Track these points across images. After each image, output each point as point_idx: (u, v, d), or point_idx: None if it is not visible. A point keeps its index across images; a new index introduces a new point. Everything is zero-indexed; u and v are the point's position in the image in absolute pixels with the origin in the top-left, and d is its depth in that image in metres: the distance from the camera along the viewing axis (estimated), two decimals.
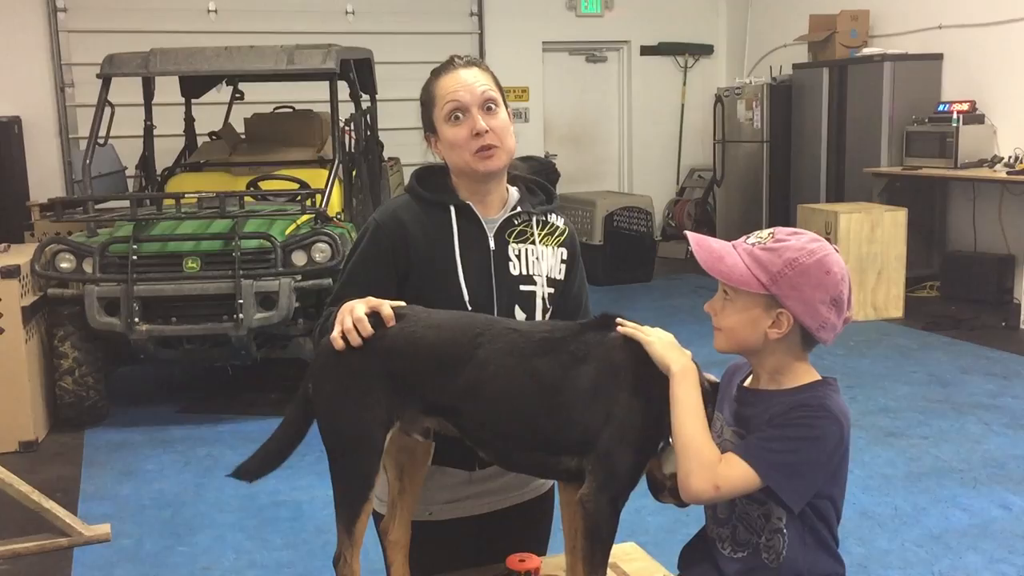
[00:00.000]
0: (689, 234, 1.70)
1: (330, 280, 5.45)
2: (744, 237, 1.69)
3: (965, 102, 7.95)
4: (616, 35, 10.88)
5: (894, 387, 5.83)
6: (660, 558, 2.16)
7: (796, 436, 1.59)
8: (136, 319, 5.26)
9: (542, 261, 2.10)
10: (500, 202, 2.11)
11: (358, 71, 6.89)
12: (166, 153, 7.25)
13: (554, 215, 2.17)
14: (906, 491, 4.33)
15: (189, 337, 5.39)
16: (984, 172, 7.66)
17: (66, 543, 3.63)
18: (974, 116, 7.90)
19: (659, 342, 1.72)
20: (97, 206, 6.28)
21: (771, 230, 1.67)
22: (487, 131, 1.99)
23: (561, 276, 2.13)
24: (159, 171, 7.00)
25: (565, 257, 2.15)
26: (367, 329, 1.78)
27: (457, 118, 1.99)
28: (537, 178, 2.22)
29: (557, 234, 2.15)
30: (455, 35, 10.19)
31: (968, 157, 7.79)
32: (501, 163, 2.03)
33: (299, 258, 5.41)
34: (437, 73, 2.04)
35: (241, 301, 5.25)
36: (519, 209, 2.11)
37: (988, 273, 7.88)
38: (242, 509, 4.37)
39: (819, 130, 9.08)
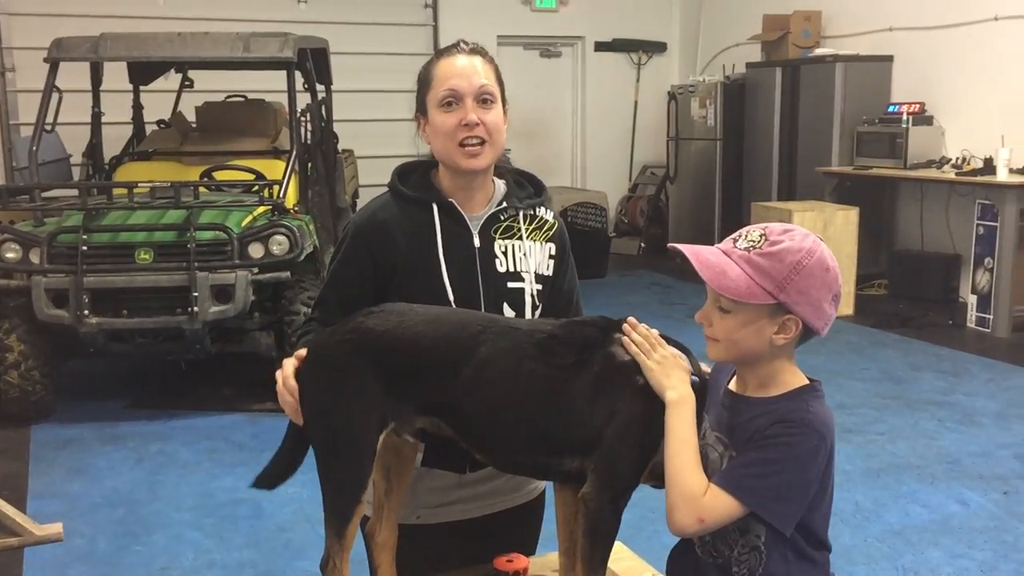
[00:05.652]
0: (684, 248, 1.60)
1: (288, 273, 5.36)
2: (731, 240, 1.62)
3: (914, 103, 8.09)
4: (570, 31, 10.88)
5: (848, 384, 5.91)
6: (648, 558, 2.14)
7: (777, 458, 1.53)
8: (86, 312, 5.11)
9: (530, 257, 2.05)
10: (485, 198, 2.06)
11: (313, 61, 6.78)
12: (111, 141, 7.04)
13: (542, 208, 2.13)
14: (866, 487, 4.38)
15: (141, 330, 5.25)
16: (932, 173, 7.80)
17: (16, 543, 3.49)
18: (923, 117, 8.05)
19: (658, 367, 1.66)
20: (43, 194, 6.08)
21: (761, 231, 1.59)
22: (478, 124, 1.94)
23: (549, 272, 2.09)
24: (107, 159, 6.81)
25: (553, 252, 2.10)
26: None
27: (449, 104, 1.94)
28: (526, 171, 2.18)
29: (545, 228, 2.11)
30: (409, 27, 10.12)
31: (917, 158, 7.92)
32: (486, 162, 1.98)
33: (256, 250, 5.30)
34: (439, 55, 2.00)
35: (196, 294, 5.13)
36: (505, 204, 2.06)
37: (935, 272, 8.03)
38: (199, 507, 4.26)
39: (771, 129, 9.18)
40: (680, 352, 1.77)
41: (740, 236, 1.60)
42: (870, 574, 3.61)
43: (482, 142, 1.95)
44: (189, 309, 5.15)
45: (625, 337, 1.73)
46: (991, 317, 7.08)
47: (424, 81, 2.00)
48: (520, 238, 2.05)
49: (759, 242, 1.56)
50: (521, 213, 2.07)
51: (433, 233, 1.99)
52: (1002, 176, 7.02)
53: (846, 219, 7.68)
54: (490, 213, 2.04)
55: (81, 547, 3.86)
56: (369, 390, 1.73)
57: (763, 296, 1.54)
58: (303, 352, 1.82)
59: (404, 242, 1.98)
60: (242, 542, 3.93)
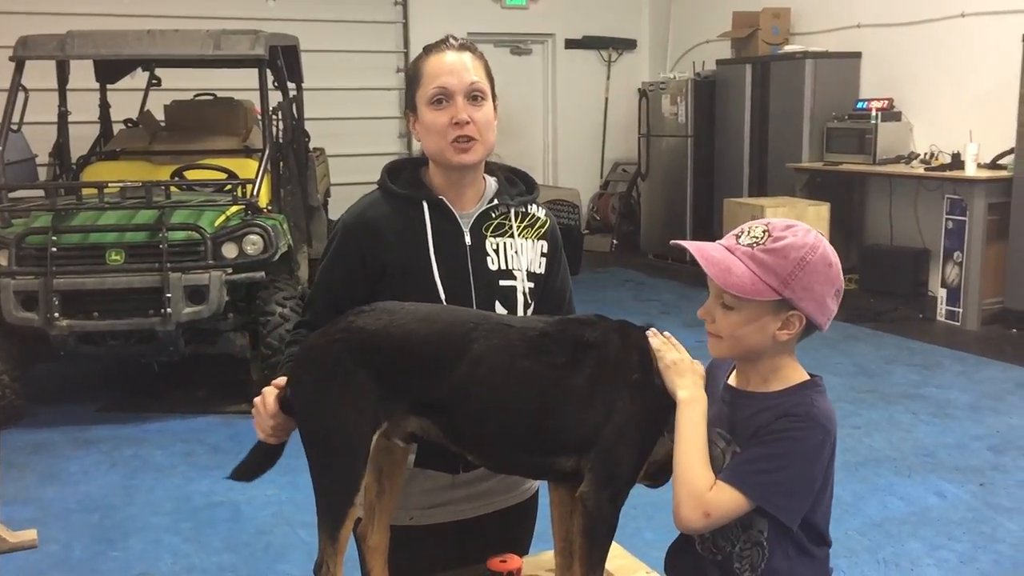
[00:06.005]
0: (688, 245, 1.59)
1: (262, 273, 5.31)
2: (733, 236, 1.61)
3: (883, 100, 8.16)
4: (541, 28, 10.87)
5: (823, 378, 5.93)
6: (642, 557, 2.13)
7: (783, 452, 1.54)
8: (56, 314, 5.03)
9: (521, 255, 2.04)
10: (476, 195, 2.04)
11: (284, 59, 6.71)
12: (77, 141, 6.92)
13: (534, 206, 2.11)
14: (844, 480, 4.40)
15: (113, 333, 5.17)
16: (901, 168, 7.88)
17: None
18: (891, 113, 8.12)
19: (674, 365, 1.66)
20: (10, 195, 5.97)
21: (763, 227, 1.58)
22: (468, 122, 1.92)
23: (541, 270, 2.07)
24: (74, 159, 6.70)
25: (545, 250, 2.09)
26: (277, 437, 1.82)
27: (440, 102, 1.92)
28: (517, 168, 2.16)
29: (537, 226, 2.09)
30: (379, 24, 10.07)
31: (886, 153, 8.00)
32: (477, 157, 1.96)
33: (230, 250, 5.25)
34: (428, 51, 1.96)
35: (169, 295, 5.06)
36: (496, 201, 2.04)
37: (904, 266, 8.10)
38: (176, 511, 4.20)
39: (742, 125, 9.22)
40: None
41: (742, 232, 1.59)
42: (852, 567, 3.63)
43: (473, 139, 1.93)
44: (162, 310, 5.08)
45: (648, 334, 1.74)
46: (961, 310, 7.17)
47: (413, 78, 1.97)
48: (512, 236, 2.03)
49: (762, 238, 1.55)
50: (512, 210, 2.05)
51: (424, 231, 1.96)
52: (970, 171, 7.10)
53: (817, 214, 7.73)
54: (481, 211, 2.02)
55: (56, 553, 3.80)
56: (361, 390, 1.70)
57: (768, 293, 1.53)
58: (282, 380, 1.80)
59: (395, 241, 1.95)
60: (221, 546, 3.88)
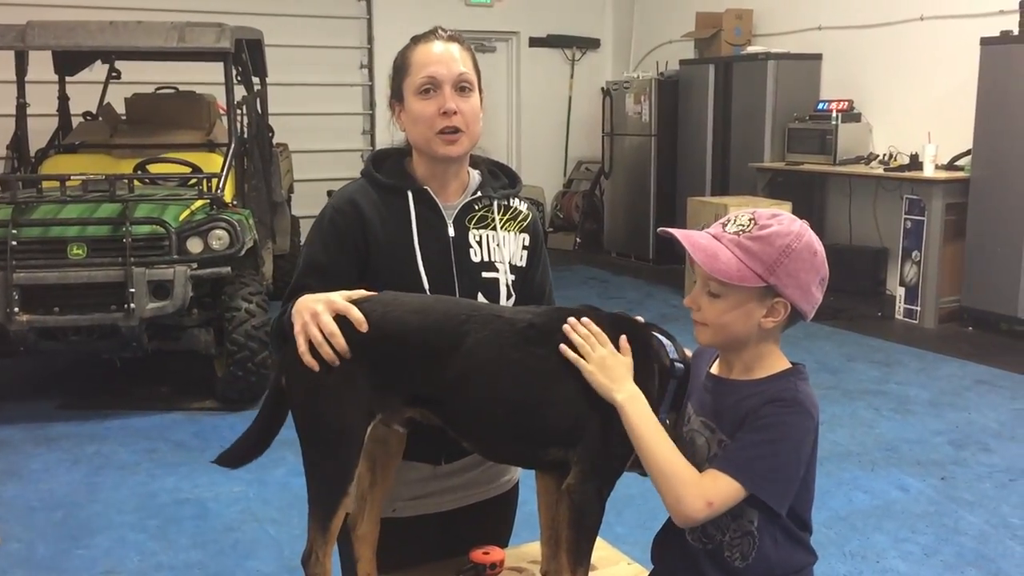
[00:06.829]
0: (677, 232, 1.60)
1: (228, 268, 5.26)
2: (720, 224, 1.62)
3: (843, 101, 8.27)
4: (505, 26, 10.87)
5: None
6: (623, 548, 2.15)
7: (773, 438, 1.55)
8: (16, 309, 4.93)
9: (504, 247, 2.04)
10: (460, 187, 2.04)
11: (249, 52, 6.66)
12: (34, 135, 6.79)
13: (517, 199, 2.12)
14: None
15: (75, 328, 5.09)
16: (860, 168, 8.00)
17: None
18: (851, 115, 8.23)
19: (598, 370, 1.65)
20: None
21: (749, 215, 1.60)
22: (456, 112, 1.92)
23: (523, 263, 2.08)
24: (32, 152, 6.57)
25: (527, 243, 2.10)
26: (342, 345, 1.66)
27: (428, 92, 1.91)
28: (500, 161, 2.16)
29: (519, 219, 2.09)
30: (343, 19, 10.00)
31: (846, 154, 8.11)
32: (463, 149, 1.96)
33: (195, 245, 5.18)
34: (416, 40, 1.96)
35: (132, 290, 4.99)
36: (480, 194, 2.05)
37: (863, 265, 8.19)
38: (142, 509, 4.14)
39: (705, 125, 9.30)
40: (666, 340, 1.79)
41: (729, 220, 1.61)
42: (819, 560, 3.67)
43: (459, 131, 1.93)
44: (125, 306, 5.00)
45: (566, 328, 1.71)
46: (919, 309, 7.29)
47: (400, 67, 1.96)
48: (494, 228, 2.04)
49: (748, 226, 1.57)
50: (495, 203, 2.06)
51: (408, 221, 1.96)
52: (928, 172, 7.22)
53: None
54: (464, 202, 2.02)
55: (19, 552, 3.73)
56: (355, 381, 1.69)
57: (753, 279, 1.55)
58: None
59: (380, 228, 1.95)
60: (188, 543, 3.84)
